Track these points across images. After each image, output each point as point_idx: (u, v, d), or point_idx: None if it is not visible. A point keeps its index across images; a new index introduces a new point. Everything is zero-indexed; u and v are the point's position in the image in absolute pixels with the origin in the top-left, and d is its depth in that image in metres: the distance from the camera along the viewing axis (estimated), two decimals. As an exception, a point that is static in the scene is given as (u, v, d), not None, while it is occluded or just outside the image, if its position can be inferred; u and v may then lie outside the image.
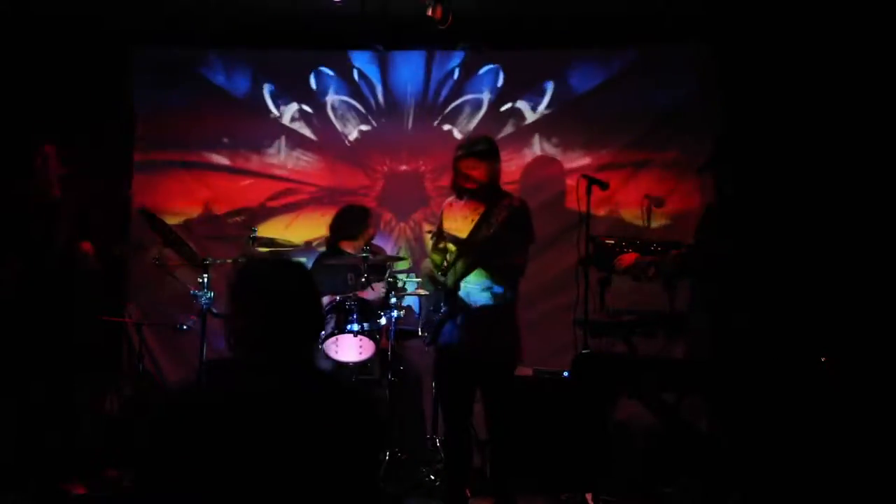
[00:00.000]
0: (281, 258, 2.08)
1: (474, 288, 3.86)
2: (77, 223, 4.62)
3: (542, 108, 5.80)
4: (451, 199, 4.08)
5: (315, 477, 1.77)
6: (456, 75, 5.87)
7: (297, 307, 1.89)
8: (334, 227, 5.36)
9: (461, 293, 3.86)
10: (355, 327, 4.72)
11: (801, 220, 5.00)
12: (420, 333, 4.11)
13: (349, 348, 4.73)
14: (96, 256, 4.60)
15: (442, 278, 3.93)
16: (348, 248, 5.19)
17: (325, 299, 5.09)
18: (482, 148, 3.90)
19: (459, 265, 3.85)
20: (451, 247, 3.95)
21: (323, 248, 5.49)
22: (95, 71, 5.76)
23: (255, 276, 1.93)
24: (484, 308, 3.84)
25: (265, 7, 5.54)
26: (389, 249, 5.70)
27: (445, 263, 3.95)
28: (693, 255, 3.94)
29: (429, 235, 4.72)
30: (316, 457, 1.77)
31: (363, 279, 4.90)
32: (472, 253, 3.82)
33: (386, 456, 4.63)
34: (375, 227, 5.35)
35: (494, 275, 3.83)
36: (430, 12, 4.92)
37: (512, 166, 5.50)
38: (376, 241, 5.51)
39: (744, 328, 3.78)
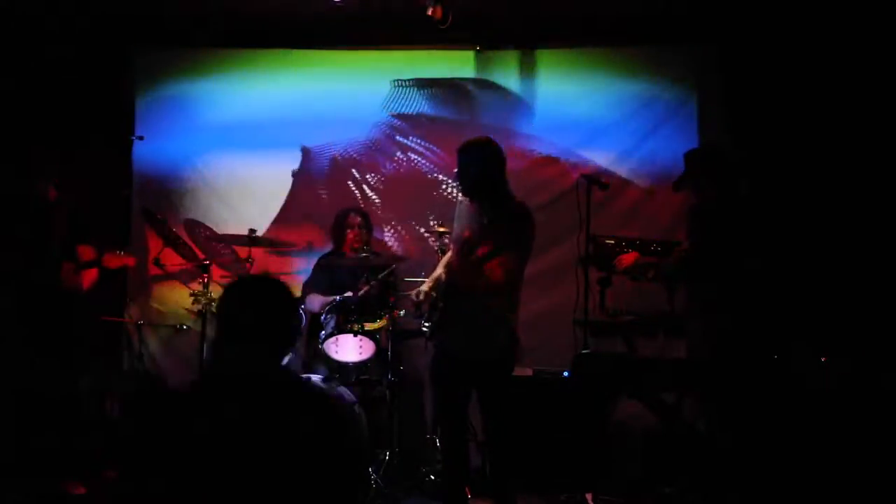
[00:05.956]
0: (263, 278, 2.30)
1: (465, 286, 3.86)
2: (75, 224, 4.63)
3: (541, 107, 5.80)
4: (460, 197, 4.11)
5: (282, 476, 1.97)
6: (457, 75, 5.87)
7: (274, 321, 2.15)
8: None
9: (452, 292, 3.88)
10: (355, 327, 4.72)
11: (802, 219, 5.02)
12: (423, 327, 4.10)
13: (349, 348, 4.73)
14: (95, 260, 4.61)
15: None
16: (346, 250, 5.21)
17: (321, 300, 5.11)
18: (461, 144, 4.03)
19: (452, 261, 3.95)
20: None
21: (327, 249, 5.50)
22: (95, 70, 5.76)
23: (238, 293, 2.20)
24: (478, 308, 3.83)
25: (265, 7, 5.54)
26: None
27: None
28: (694, 257, 3.95)
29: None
30: (283, 456, 1.98)
31: (364, 279, 4.91)
32: (458, 248, 3.89)
33: (386, 456, 4.64)
34: (361, 228, 5.23)
35: (475, 273, 3.82)
36: (429, 12, 4.94)
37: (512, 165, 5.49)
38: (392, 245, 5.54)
39: (736, 328, 3.79)
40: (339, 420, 2.15)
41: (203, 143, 5.93)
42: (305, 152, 5.90)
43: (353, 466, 2.26)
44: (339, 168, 5.90)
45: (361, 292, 4.84)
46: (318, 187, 5.90)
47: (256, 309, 2.13)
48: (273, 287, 2.20)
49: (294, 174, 5.89)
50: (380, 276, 4.89)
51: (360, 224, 5.22)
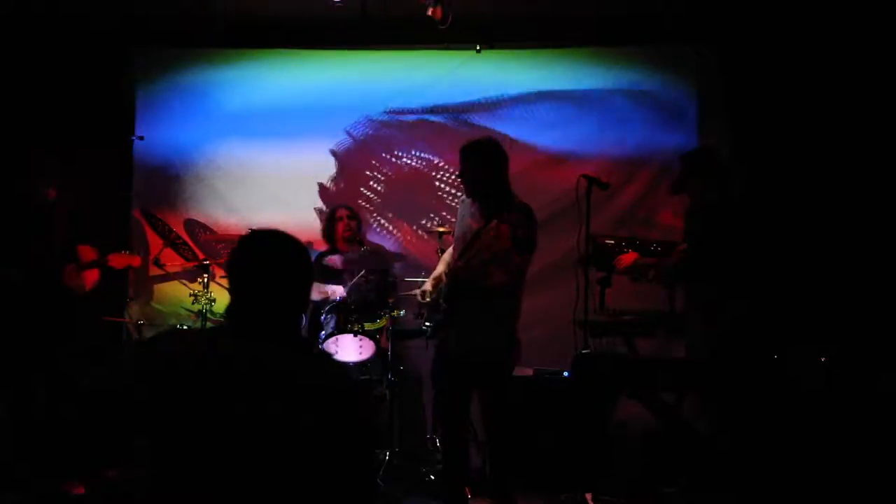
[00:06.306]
0: (278, 231, 2.09)
1: (467, 287, 3.86)
2: (75, 224, 4.62)
3: (542, 108, 5.80)
4: (464, 197, 4.12)
5: (283, 444, 1.79)
6: (457, 75, 5.87)
7: (286, 278, 1.97)
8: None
9: (454, 292, 3.88)
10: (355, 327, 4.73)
11: (802, 218, 5.02)
12: (423, 326, 4.11)
13: (349, 348, 4.73)
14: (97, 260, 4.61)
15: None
16: (339, 245, 5.22)
17: (317, 288, 5.11)
18: (464, 144, 4.04)
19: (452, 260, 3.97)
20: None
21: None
22: (95, 71, 5.76)
23: (252, 245, 2.04)
24: (478, 309, 3.83)
25: (265, 8, 5.54)
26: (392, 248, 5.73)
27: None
28: (693, 258, 3.95)
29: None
30: (287, 425, 1.79)
31: (361, 278, 4.93)
32: (461, 249, 3.90)
33: (386, 456, 4.64)
34: (350, 220, 5.28)
35: (478, 274, 3.81)
36: (429, 12, 4.94)
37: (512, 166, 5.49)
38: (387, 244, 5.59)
39: (736, 328, 3.79)
40: (354, 386, 2.01)
41: (203, 143, 5.93)
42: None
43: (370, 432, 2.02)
44: (348, 168, 5.92)
45: (353, 281, 4.89)
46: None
47: (275, 262, 1.97)
48: (288, 241, 2.05)
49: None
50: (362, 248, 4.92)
51: (348, 215, 5.28)
